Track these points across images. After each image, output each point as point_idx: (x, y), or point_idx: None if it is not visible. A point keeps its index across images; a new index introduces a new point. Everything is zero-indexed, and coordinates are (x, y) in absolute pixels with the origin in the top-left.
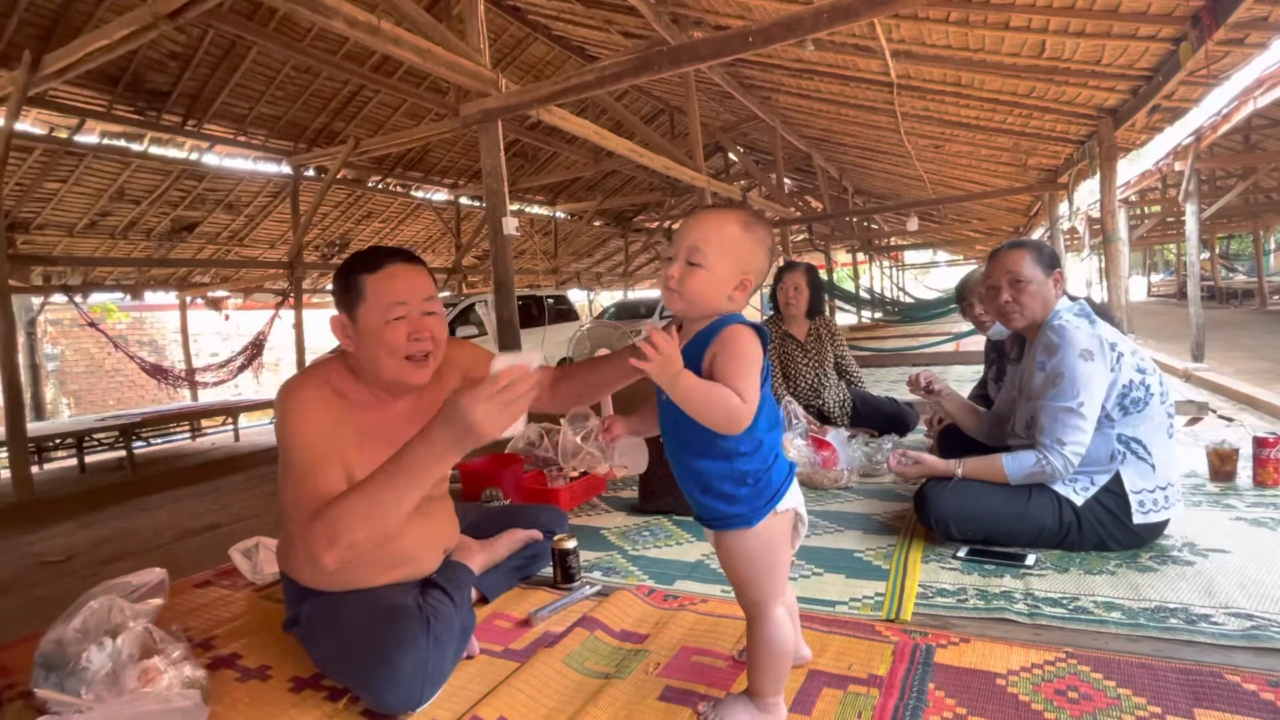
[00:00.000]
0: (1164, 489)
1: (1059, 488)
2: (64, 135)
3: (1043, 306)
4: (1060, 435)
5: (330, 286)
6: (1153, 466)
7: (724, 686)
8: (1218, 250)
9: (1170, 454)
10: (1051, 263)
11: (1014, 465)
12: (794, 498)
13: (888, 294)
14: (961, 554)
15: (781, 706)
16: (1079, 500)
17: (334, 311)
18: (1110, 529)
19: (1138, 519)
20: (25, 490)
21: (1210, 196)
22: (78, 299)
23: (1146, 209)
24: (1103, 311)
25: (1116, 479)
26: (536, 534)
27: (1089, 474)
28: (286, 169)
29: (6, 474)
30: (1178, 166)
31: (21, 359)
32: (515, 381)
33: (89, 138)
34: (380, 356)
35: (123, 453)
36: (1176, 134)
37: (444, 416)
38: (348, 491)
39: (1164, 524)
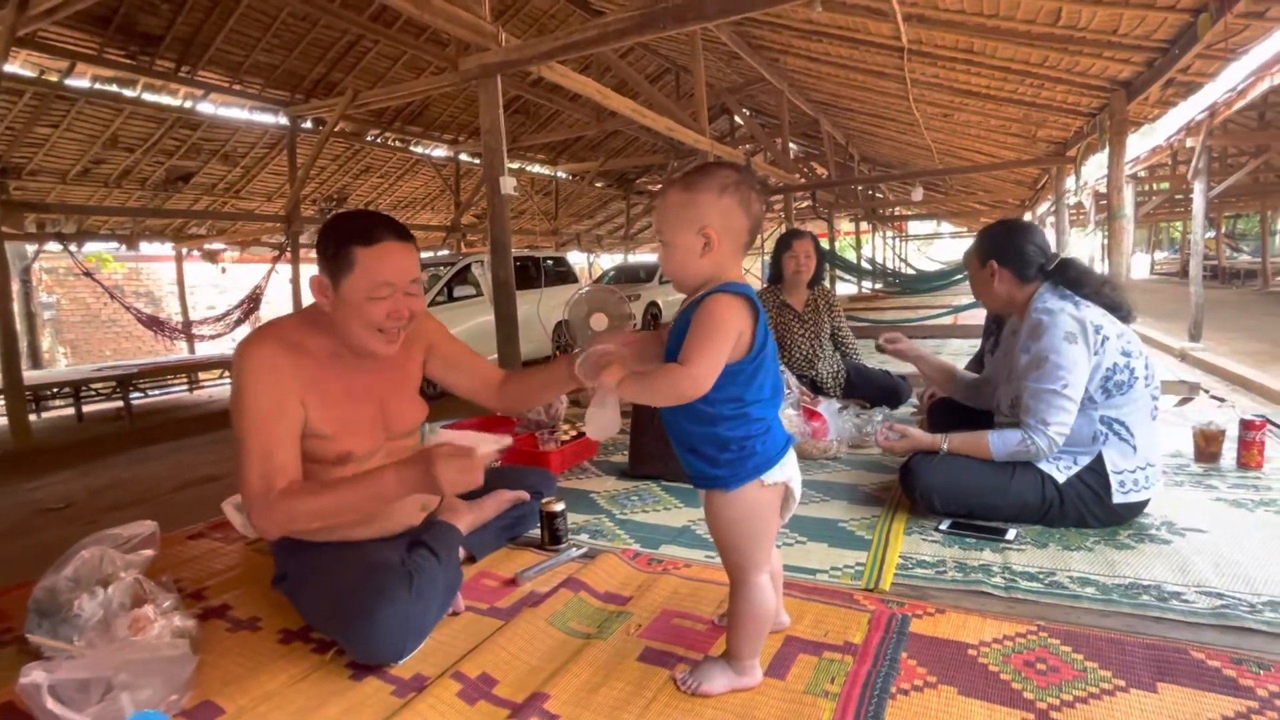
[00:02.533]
0: (1144, 469)
1: (1043, 465)
2: (54, 79)
3: (987, 296)
4: (1045, 416)
5: (316, 242)
6: (1134, 448)
7: (702, 649)
8: (1224, 229)
9: (1152, 435)
10: (985, 253)
11: (999, 442)
12: (785, 471)
13: (889, 264)
14: (943, 527)
15: (757, 669)
16: (1061, 478)
17: (315, 269)
18: (1091, 506)
19: (1118, 498)
20: (24, 438)
21: (1220, 174)
22: (72, 247)
23: (1155, 185)
24: (1099, 283)
25: (1099, 459)
26: (524, 495)
27: (1072, 454)
28: (284, 120)
29: (5, 421)
30: (1189, 143)
31: (17, 306)
32: (478, 459)
33: (80, 82)
34: (354, 326)
35: (120, 403)
36: (1190, 109)
37: (420, 468)
38: (315, 492)
39: (1144, 504)
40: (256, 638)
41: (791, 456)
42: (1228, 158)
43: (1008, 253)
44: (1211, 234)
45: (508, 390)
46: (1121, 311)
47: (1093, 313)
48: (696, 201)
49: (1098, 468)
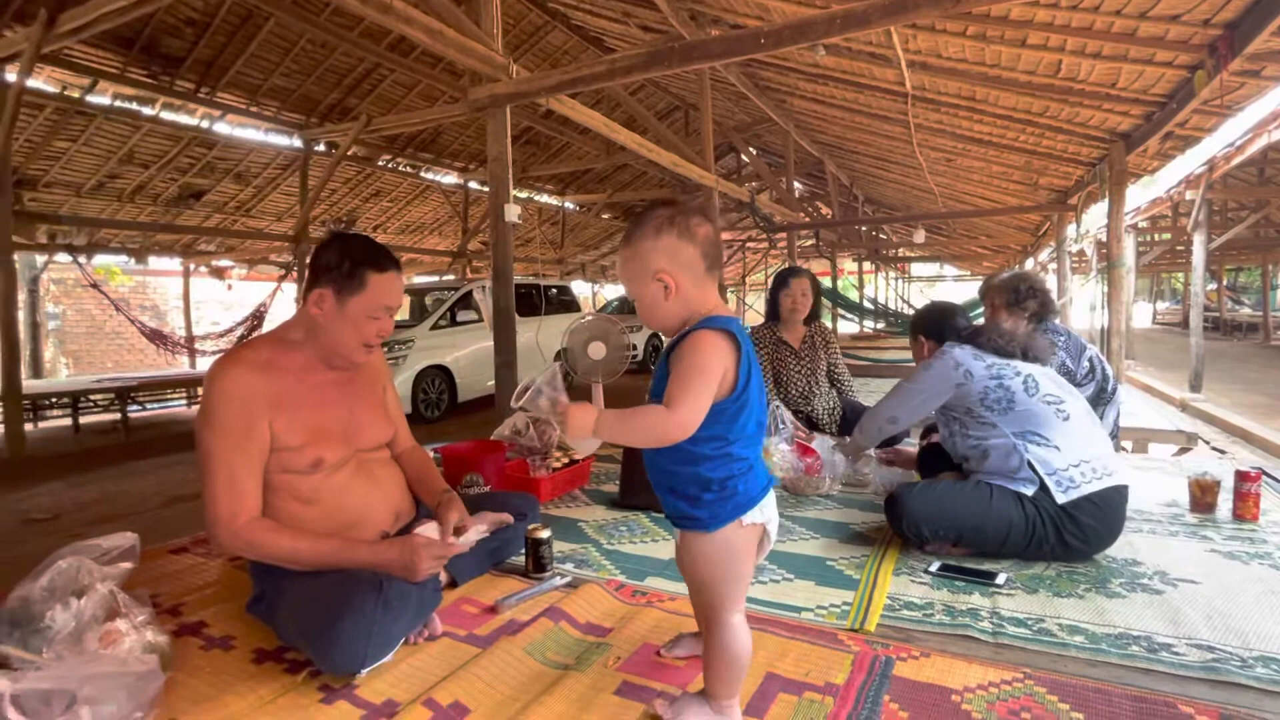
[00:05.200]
0: (1077, 466)
1: (1013, 485)
2: (76, 95)
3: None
4: (885, 402)
5: (316, 258)
6: (1056, 448)
7: (681, 684)
8: (1225, 282)
9: (1072, 434)
10: (915, 330)
11: (860, 433)
12: (765, 513)
13: (891, 305)
14: (933, 569)
15: (736, 709)
16: (1029, 492)
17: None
18: (1061, 521)
19: (1060, 499)
20: (18, 447)
21: (1221, 227)
22: (81, 259)
23: (1156, 236)
24: (988, 335)
25: (1035, 470)
26: (507, 517)
27: (1023, 473)
28: (297, 142)
29: (1, 429)
30: (1189, 195)
31: (22, 316)
32: (448, 549)
33: (101, 98)
34: (346, 338)
35: (117, 415)
36: (1189, 162)
37: (396, 555)
38: (292, 536)
39: (1101, 502)
40: (229, 657)
41: (771, 497)
42: (1228, 211)
43: (930, 329)
44: (1213, 286)
45: (403, 465)
46: (1014, 355)
47: (963, 355)
48: (640, 251)
49: (1039, 478)
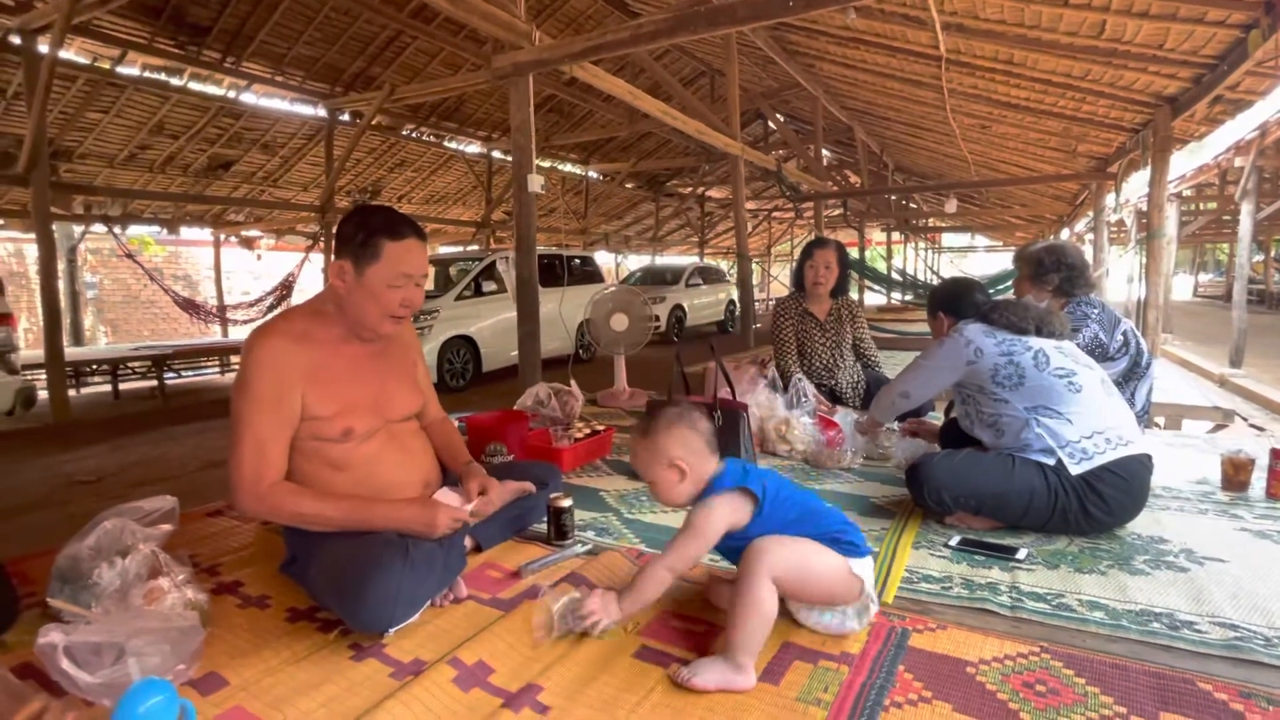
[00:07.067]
0: (1090, 437)
1: (1034, 456)
2: (106, 66)
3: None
4: (900, 377)
5: (338, 230)
6: (1069, 420)
7: (700, 650)
8: (1273, 253)
9: (1086, 406)
10: (934, 306)
11: (875, 407)
12: (864, 572)
13: (920, 276)
14: (953, 543)
15: (751, 672)
16: (1051, 462)
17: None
18: (1084, 491)
19: (1075, 470)
20: (62, 412)
21: (1270, 196)
22: (116, 229)
23: (1201, 205)
24: (1001, 310)
25: (1048, 442)
26: (529, 485)
27: (1038, 446)
28: (322, 112)
29: (46, 395)
30: (1238, 162)
31: (62, 285)
32: (469, 513)
33: (130, 70)
34: (369, 309)
35: (154, 382)
36: (1239, 127)
37: (415, 512)
38: (315, 498)
39: (1122, 471)
40: (265, 615)
41: (870, 565)
42: None
43: (948, 305)
44: (1259, 257)
45: (432, 436)
46: (1028, 331)
47: (975, 332)
48: (657, 443)
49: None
